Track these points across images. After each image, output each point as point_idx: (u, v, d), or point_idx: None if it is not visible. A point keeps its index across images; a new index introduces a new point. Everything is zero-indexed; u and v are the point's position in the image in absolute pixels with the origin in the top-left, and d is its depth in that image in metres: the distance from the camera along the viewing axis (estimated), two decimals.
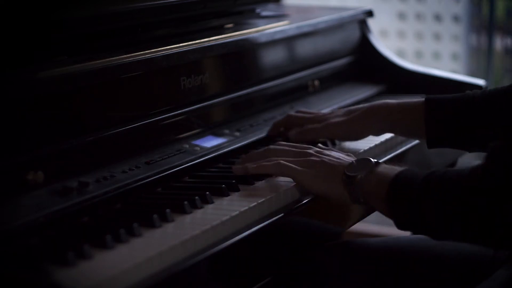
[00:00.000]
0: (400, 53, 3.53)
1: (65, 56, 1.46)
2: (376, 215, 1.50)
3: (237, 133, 1.65)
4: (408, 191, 1.29)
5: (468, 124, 1.53)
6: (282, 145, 1.52)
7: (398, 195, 1.30)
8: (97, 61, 1.43)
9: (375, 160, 1.37)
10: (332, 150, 1.47)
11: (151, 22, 1.62)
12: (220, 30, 1.79)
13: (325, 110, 1.83)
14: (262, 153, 1.50)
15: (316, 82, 1.98)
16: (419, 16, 3.56)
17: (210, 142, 1.59)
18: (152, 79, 1.53)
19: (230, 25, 1.84)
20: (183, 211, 1.30)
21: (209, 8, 1.75)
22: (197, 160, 1.51)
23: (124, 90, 1.48)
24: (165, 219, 1.27)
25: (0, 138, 1.26)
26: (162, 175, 1.43)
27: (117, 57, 1.46)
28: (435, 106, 1.55)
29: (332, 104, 1.91)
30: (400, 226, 1.32)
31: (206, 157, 1.53)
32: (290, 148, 1.49)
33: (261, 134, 1.68)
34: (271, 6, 2.13)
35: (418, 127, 1.56)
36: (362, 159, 1.39)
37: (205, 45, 1.64)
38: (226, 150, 1.58)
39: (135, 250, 1.17)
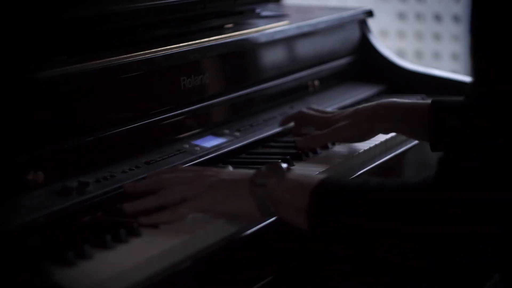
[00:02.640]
0: (400, 53, 3.53)
1: (65, 56, 1.46)
2: None
3: (237, 133, 1.65)
4: (337, 200, 1.17)
5: None
6: (175, 171, 1.35)
7: (324, 204, 1.18)
8: (97, 61, 1.43)
9: (286, 165, 1.26)
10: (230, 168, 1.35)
11: (151, 22, 1.62)
12: (220, 30, 1.79)
13: (330, 109, 1.82)
14: (153, 184, 1.31)
15: (316, 82, 1.98)
16: (419, 16, 3.57)
17: (210, 142, 1.59)
18: (152, 79, 1.53)
19: (230, 25, 1.84)
20: None
21: (209, 8, 1.75)
22: (197, 160, 1.51)
23: (124, 90, 1.48)
24: None
25: (0, 138, 1.26)
26: None
27: (117, 57, 1.46)
28: (441, 109, 1.54)
29: (332, 104, 1.91)
30: (316, 237, 1.20)
31: (206, 157, 1.53)
32: (184, 174, 1.31)
33: (261, 134, 1.68)
34: (271, 6, 2.13)
35: (422, 128, 1.56)
36: (271, 164, 1.26)
37: (205, 45, 1.64)
38: (226, 150, 1.57)
39: (135, 250, 1.17)
